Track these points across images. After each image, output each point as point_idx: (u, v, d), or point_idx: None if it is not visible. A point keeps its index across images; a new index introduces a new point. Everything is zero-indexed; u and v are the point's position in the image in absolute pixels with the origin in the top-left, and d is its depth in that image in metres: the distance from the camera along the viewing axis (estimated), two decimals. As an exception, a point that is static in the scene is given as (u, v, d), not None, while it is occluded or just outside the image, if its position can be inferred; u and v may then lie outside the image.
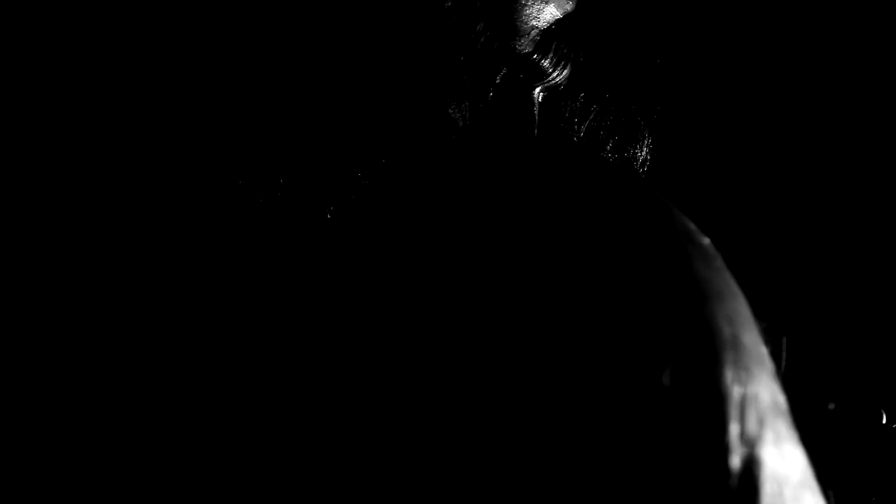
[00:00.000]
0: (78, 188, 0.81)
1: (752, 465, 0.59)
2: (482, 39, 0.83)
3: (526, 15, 0.87)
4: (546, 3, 0.89)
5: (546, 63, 0.89)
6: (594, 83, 0.96)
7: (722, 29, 1.26)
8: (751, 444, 0.59)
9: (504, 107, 0.88)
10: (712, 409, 0.58)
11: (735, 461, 0.58)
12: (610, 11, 0.98)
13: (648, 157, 0.99)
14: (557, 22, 0.89)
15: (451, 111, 0.84)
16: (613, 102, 0.99)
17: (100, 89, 0.84)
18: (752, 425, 0.59)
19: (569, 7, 0.91)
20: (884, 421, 1.01)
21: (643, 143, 1.00)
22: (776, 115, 1.28)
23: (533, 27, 0.88)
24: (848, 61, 1.29)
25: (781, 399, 0.63)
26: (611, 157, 0.99)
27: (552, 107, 0.93)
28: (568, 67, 0.91)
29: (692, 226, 0.68)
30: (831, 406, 1.03)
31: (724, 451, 0.57)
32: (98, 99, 0.83)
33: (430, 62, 0.82)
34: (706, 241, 0.67)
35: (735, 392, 0.60)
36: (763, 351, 0.63)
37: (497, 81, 0.86)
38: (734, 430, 0.59)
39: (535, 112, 0.90)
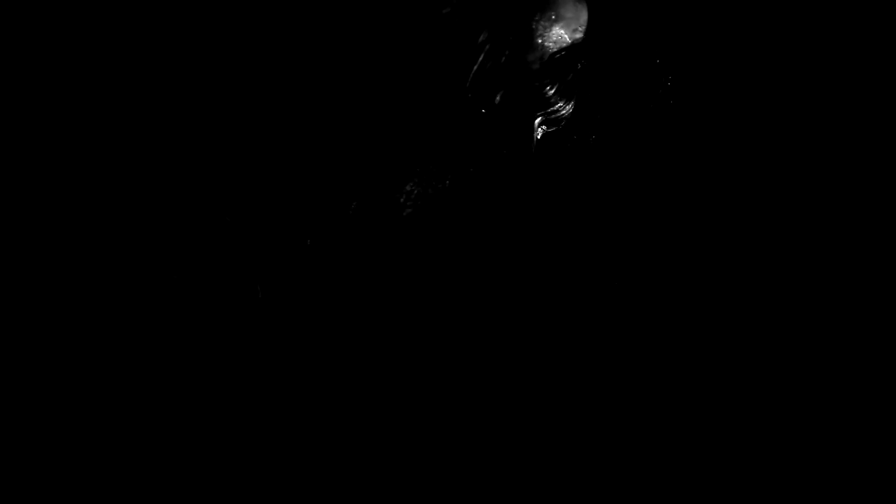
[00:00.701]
0: (89, 188, 0.81)
1: None
2: (486, 49, 0.82)
3: (533, 30, 0.85)
4: (554, 22, 0.87)
5: (550, 90, 0.88)
6: (602, 125, 0.96)
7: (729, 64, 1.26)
8: None
9: (502, 131, 0.86)
10: None
11: None
12: (620, 47, 0.97)
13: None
14: (566, 48, 0.88)
15: (446, 127, 0.83)
16: (623, 147, 0.98)
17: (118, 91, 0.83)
18: None
19: (577, 36, 0.89)
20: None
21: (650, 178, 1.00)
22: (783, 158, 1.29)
23: (539, 45, 0.86)
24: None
25: None
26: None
27: (554, 142, 0.92)
28: (573, 102, 0.90)
29: None
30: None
31: None
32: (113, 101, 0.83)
33: (429, 71, 0.81)
34: None
35: None
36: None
37: (497, 101, 0.85)
38: None
39: (534, 141, 0.88)
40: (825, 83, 1.30)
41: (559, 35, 0.87)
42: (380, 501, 0.95)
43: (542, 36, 0.85)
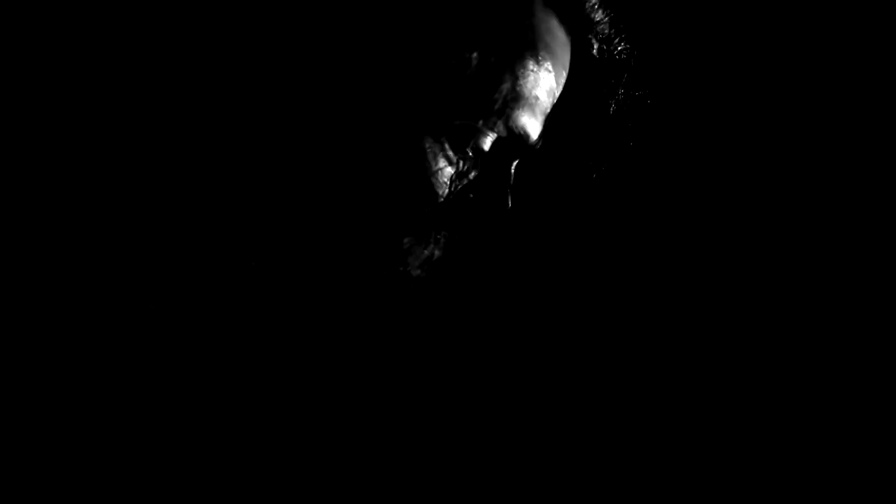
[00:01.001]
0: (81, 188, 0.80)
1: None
2: (498, 100, 0.79)
3: (532, 81, 0.81)
4: (549, 72, 0.83)
5: (535, 138, 0.84)
6: (573, 161, 0.94)
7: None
8: None
9: (484, 177, 0.83)
10: None
11: None
12: (595, 85, 0.93)
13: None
14: (551, 91, 0.84)
15: (442, 173, 0.80)
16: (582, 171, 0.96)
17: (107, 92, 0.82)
18: None
19: (561, 80, 0.86)
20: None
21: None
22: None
23: (535, 96, 0.82)
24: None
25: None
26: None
27: (529, 180, 0.91)
28: (542, 140, 0.87)
29: None
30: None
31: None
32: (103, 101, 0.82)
33: (442, 119, 0.78)
34: None
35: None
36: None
37: (486, 148, 0.81)
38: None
39: (510, 183, 0.85)
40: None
41: (549, 84, 0.83)
42: (380, 501, 0.96)
43: (537, 86, 0.82)
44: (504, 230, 0.87)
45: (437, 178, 0.79)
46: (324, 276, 0.80)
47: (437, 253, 0.81)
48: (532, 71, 0.80)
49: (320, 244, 0.79)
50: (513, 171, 0.85)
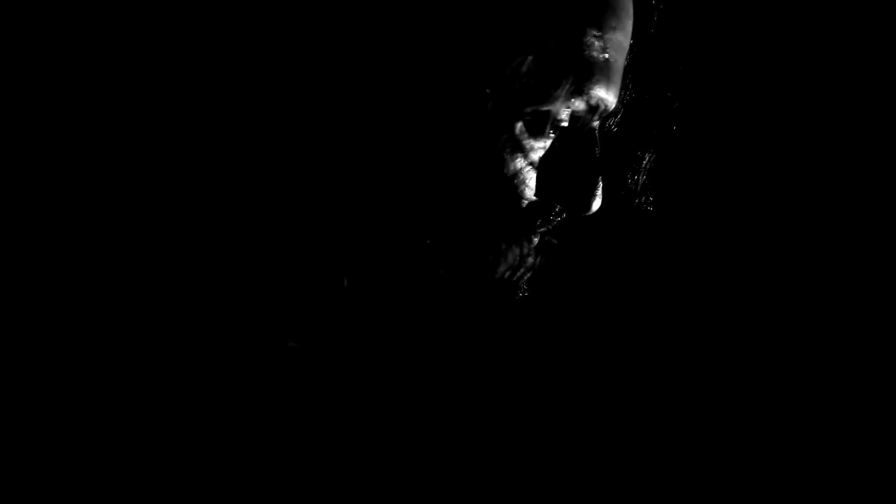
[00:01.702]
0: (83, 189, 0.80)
1: None
2: (570, 80, 0.73)
3: (607, 45, 0.76)
4: (622, 30, 0.78)
5: (615, 104, 0.81)
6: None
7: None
8: None
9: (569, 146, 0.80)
10: None
11: None
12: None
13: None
14: (626, 51, 0.81)
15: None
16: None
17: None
18: None
19: (629, 40, 0.81)
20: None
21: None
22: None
23: (606, 59, 0.76)
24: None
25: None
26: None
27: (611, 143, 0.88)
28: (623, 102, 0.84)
29: None
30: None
31: None
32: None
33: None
34: None
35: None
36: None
37: (565, 124, 0.78)
38: None
39: (597, 144, 0.80)
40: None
41: (620, 38, 0.77)
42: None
43: (607, 44, 0.76)
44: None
45: (519, 171, 0.76)
46: (420, 287, 0.77)
47: (533, 254, 0.78)
48: (601, 34, 0.75)
49: (415, 256, 0.75)
50: (596, 132, 0.80)
